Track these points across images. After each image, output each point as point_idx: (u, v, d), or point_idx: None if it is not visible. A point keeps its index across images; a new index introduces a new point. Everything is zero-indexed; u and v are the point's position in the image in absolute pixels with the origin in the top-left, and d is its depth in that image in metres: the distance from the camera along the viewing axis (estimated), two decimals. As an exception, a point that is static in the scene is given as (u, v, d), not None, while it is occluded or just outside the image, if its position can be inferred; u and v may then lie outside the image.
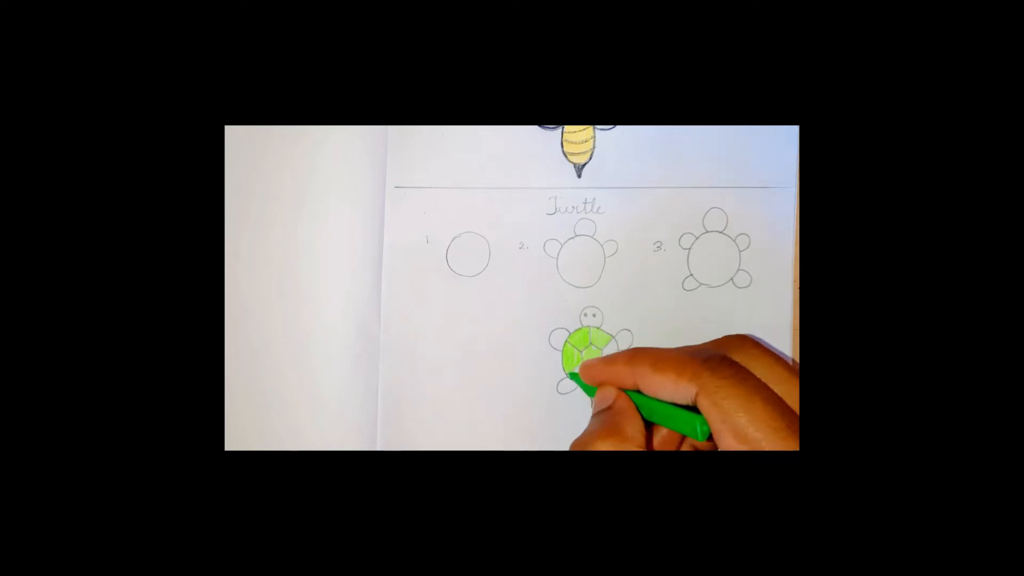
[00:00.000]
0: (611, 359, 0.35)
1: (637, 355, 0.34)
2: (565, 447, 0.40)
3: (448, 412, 0.40)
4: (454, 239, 0.40)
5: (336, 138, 0.39)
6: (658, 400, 0.33)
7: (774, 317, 0.41)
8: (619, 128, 0.40)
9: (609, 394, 0.35)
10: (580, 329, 0.40)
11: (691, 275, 0.41)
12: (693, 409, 0.32)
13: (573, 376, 0.39)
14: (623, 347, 0.40)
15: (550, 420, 0.40)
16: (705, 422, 0.31)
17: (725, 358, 0.32)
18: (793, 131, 0.40)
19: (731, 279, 0.41)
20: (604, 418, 0.34)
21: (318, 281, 0.39)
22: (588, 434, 0.33)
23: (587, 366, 0.36)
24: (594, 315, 0.40)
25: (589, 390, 0.36)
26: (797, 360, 0.40)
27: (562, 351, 0.40)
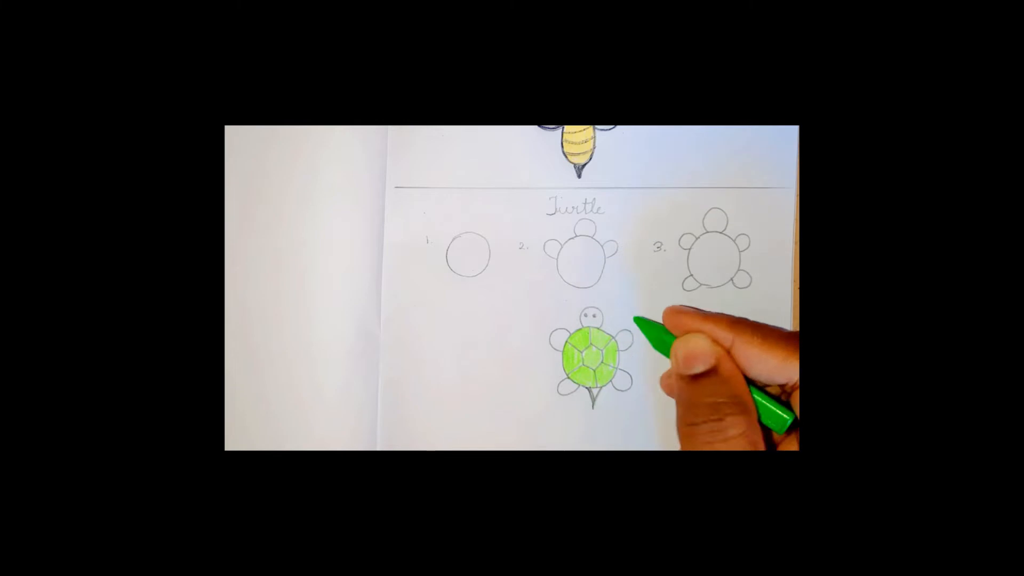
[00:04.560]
0: (707, 315, 0.28)
1: (740, 322, 0.28)
2: (565, 447, 0.40)
3: (448, 412, 0.40)
4: (454, 239, 0.40)
5: (336, 138, 0.39)
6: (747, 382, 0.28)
7: (774, 317, 0.41)
8: (619, 128, 0.40)
9: (705, 350, 0.27)
10: (580, 329, 0.40)
11: (691, 275, 0.41)
12: (777, 398, 0.28)
13: (638, 320, 0.31)
14: (623, 347, 0.40)
15: (550, 420, 0.40)
16: (792, 420, 0.27)
17: None
18: (793, 131, 0.40)
19: (731, 279, 0.41)
20: (736, 417, 0.27)
21: (318, 281, 0.39)
22: (711, 431, 0.27)
23: (675, 311, 0.29)
24: (594, 315, 0.40)
25: (657, 338, 0.30)
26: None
27: (562, 351, 0.40)
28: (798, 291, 0.40)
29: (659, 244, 0.41)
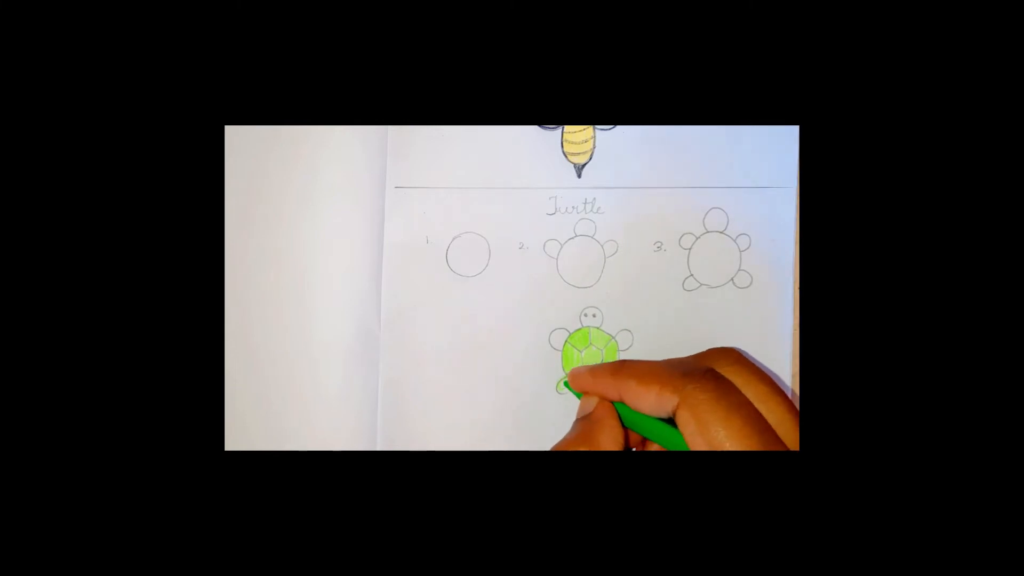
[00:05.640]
0: (598, 370, 0.35)
1: (623, 368, 0.34)
2: (565, 447, 0.40)
3: (448, 412, 0.40)
4: (454, 239, 0.40)
5: (336, 138, 0.39)
6: (641, 414, 0.33)
7: (774, 317, 0.41)
8: (619, 128, 0.40)
9: (590, 402, 0.35)
10: (580, 329, 0.40)
11: (691, 275, 0.41)
12: (673, 423, 0.32)
13: (566, 383, 0.39)
14: (623, 347, 0.40)
15: (550, 420, 0.40)
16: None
17: (709, 371, 0.32)
18: (793, 131, 0.40)
19: (731, 279, 0.41)
20: (582, 426, 0.34)
21: (318, 281, 0.39)
22: (565, 441, 0.33)
23: (575, 374, 0.36)
24: (594, 315, 0.40)
25: (579, 395, 0.36)
26: (797, 362, 0.40)
27: (562, 351, 0.40)
28: (798, 291, 0.40)
29: (659, 244, 0.41)
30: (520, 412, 0.40)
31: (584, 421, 0.34)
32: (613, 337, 0.40)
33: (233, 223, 0.39)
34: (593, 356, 0.40)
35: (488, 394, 0.40)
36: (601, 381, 0.34)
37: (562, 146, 0.40)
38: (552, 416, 0.40)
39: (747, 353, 0.34)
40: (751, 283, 0.41)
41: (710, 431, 0.30)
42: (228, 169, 0.38)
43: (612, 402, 0.34)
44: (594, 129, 0.40)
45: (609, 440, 0.33)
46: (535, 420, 0.40)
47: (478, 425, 0.40)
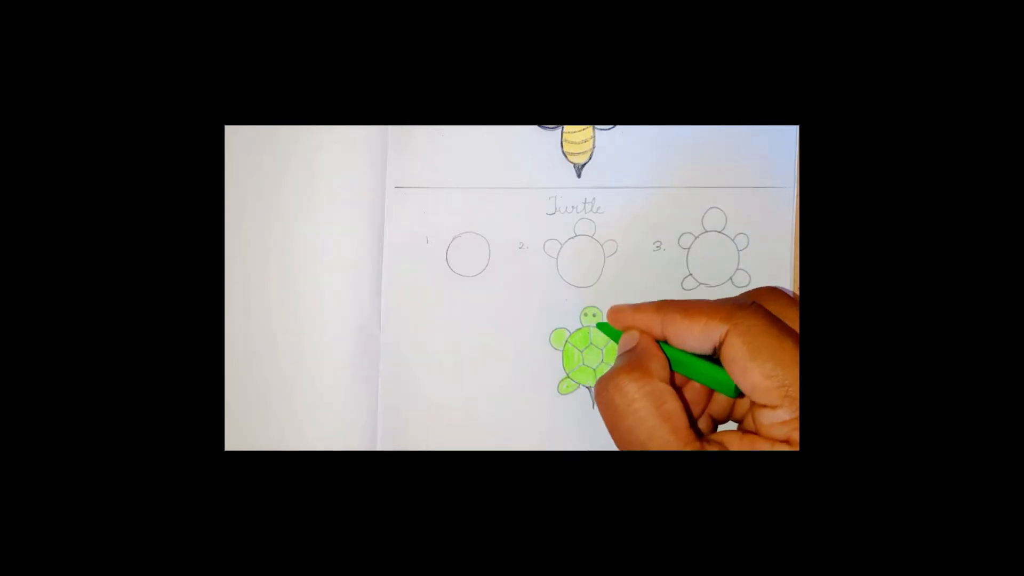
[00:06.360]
0: (640, 306, 0.34)
1: (666, 303, 0.34)
2: (565, 447, 0.40)
3: (448, 412, 0.40)
4: (454, 239, 0.40)
5: (336, 138, 0.39)
6: (686, 353, 0.33)
7: (773, 317, 0.41)
8: (619, 128, 0.40)
9: (632, 337, 0.34)
10: (580, 329, 0.40)
11: (690, 275, 0.41)
12: (718, 362, 0.32)
13: (600, 325, 0.38)
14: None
15: (550, 420, 0.40)
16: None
17: (757, 303, 0.32)
18: (793, 131, 0.40)
19: (730, 278, 0.41)
20: (629, 356, 0.33)
21: (318, 281, 0.39)
22: (613, 370, 0.33)
23: (616, 310, 0.35)
24: (594, 315, 0.40)
25: (615, 335, 0.36)
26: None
27: (562, 351, 0.40)
28: (798, 290, 0.41)
29: (658, 243, 0.41)
30: (520, 412, 0.40)
31: (630, 352, 0.34)
32: (613, 337, 0.41)
33: (233, 223, 0.39)
34: (594, 355, 0.40)
35: (488, 394, 0.40)
36: (644, 315, 0.34)
37: (562, 146, 0.40)
38: (552, 416, 0.40)
39: (792, 292, 0.34)
40: (749, 282, 0.41)
41: (762, 356, 0.29)
42: (228, 169, 0.38)
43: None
44: (594, 129, 0.40)
45: (658, 366, 0.32)
46: (535, 420, 0.40)
47: (478, 425, 0.40)
